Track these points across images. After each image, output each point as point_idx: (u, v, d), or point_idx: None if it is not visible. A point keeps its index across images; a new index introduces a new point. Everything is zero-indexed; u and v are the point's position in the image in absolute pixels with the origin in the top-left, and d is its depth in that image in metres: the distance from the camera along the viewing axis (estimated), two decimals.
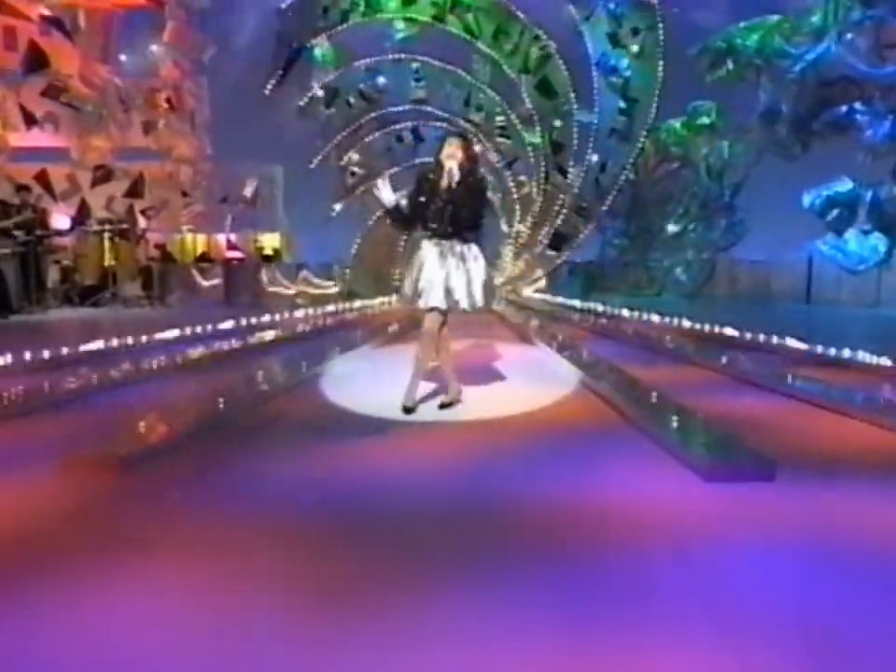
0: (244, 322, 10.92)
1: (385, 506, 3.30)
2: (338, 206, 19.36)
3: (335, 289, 19.34)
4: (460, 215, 4.76)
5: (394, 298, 5.23)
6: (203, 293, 17.93)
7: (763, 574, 2.65)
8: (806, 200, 17.86)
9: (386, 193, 4.84)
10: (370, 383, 6.47)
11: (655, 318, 11.91)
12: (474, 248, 4.95)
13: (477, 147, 19.95)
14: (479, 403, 5.48)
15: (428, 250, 4.91)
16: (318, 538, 2.95)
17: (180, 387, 6.17)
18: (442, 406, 5.16)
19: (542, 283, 19.91)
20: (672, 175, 20.40)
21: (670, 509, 3.28)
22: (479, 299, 4.92)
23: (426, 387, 5.55)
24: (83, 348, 7.96)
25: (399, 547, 2.87)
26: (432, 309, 4.95)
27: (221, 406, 5.00)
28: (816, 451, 4.33)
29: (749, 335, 9.21)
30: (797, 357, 7.86)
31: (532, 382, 6.55)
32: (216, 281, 18.34)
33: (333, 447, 4.33)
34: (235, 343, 8.55)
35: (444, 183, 4.80)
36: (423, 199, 4.82)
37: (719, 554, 2.79)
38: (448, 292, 4.83)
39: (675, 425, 4.57)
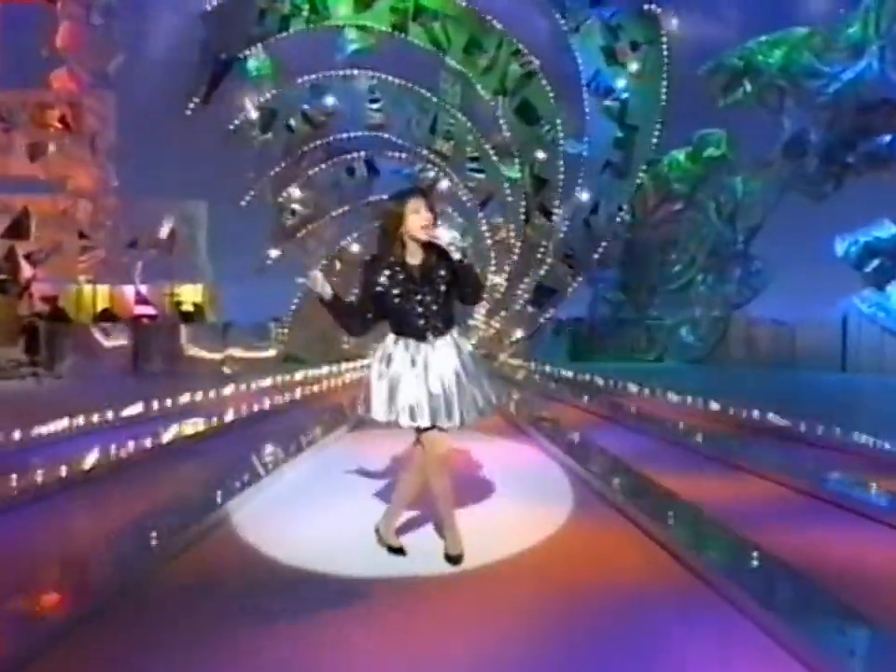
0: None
1: None
2: (274, 253, 19.08)
3: (271, 354, 18.80)
4: (452, 298, 4.35)
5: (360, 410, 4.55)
6: (104, 360, 17.03)
7: None
8: (840, 247, 17.54)
9: (321, 287, 4.25)
10: (331, 509, 5.63)
11: (674, 398, 11.30)
12: (462, 341, 4.46)
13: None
14: (475, 539, 4.71)
15: (410, 352, 4.32)
16: None
17: (60, 525, 5.21)
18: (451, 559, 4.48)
19: (520, 346, 19.56)
20: (676, 217, 20.19)
21: None
22: (485, 403, 4.38)
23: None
24: None
25: None
26: (427, 428, 4.30)
27: (117, 565, 4.03)
28: None
29: (802, 426, 8.50)
30: (875, 459, 7.12)
31: (536, 500, 5.90)
32: (120, 342, 17.58)
33: (285, 642, 3.39)
34: (143, 441, 7.62)
35: (416, 261, 4.29)
36: (396, 291, 4.27)
37: None
38: (443, 407, 4.27)
39: (773, 590, 3.78)
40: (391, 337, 4.36)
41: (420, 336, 4.29)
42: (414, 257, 4.25)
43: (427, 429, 4.30)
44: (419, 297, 4.24)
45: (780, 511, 5.60)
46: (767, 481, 6.42)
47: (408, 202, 4.22)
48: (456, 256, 4.16)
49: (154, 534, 4.65)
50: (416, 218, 4.18)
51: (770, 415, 9.25)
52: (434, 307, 4.26)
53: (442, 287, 4.25)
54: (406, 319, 4.28)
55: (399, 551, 4.51)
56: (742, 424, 9.20)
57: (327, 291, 4.22)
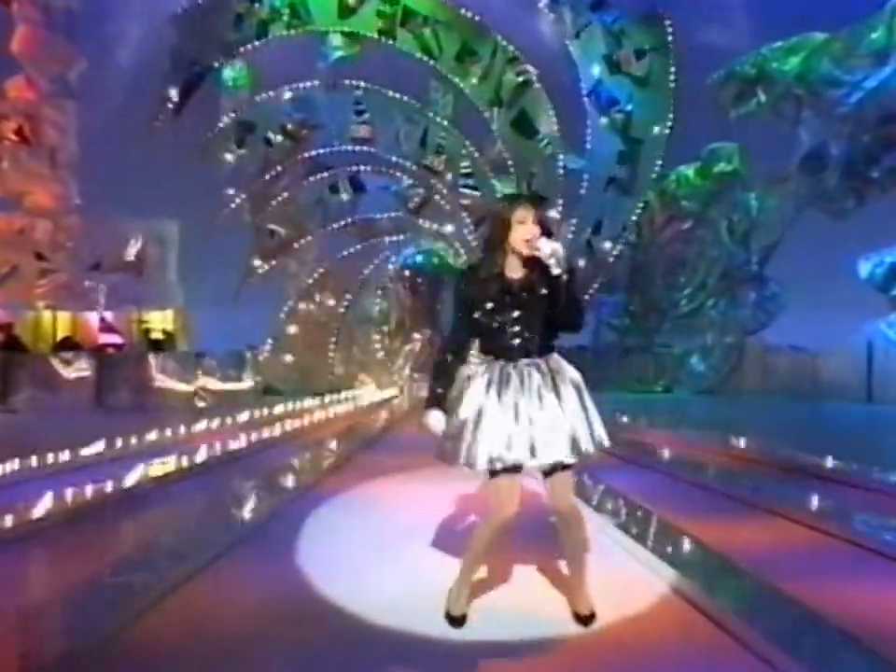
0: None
1: None
2: (252, 277, 18.91)
3: (248, 385, 18.55)
4: (553, 321, 4.13)
5: (443, 451, 4.00)
6: (65, 393, 16.75)
7: None
8: (864, 268, 17.58)
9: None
10: (347, 558, 5.42)
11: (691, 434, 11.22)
12: (562, 366, 4.14)
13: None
14: (505, 605, 4.58)
15: (495, 376, 4.06)
16: None
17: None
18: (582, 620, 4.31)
19: None
20: (685, 237, 20.08)
21: None
22: (589, 437, 4.04)
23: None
24: None
25: None
26: (507, 469, 4.02)
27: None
28: None
29: (832, 462, 8.38)
30: None
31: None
32: (83, 373, 17.33)
33: None
34: (104, 484, 7.37)
35: (517, 274, 4.09)
36: (490, 306, 4.07)
37: None
38: (539, 439, 3.97)
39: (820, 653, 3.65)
40: (474, 361, 4.18)
41: (511, 357, 4.07)
42: (515, 270, 4.07)
43: (498, 473, 4.05)
44: (514, 313, 4.03)
45: (815, 560, 5.46)
46: (799, 526, 6.30)
47: (516, 209, 4.02)
48: (556, 270, 3.92)
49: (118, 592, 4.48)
50: (521, 230, 3.98)
51: (792, 451, 9.11)
52: (531, 327, 4.05)
53: (542, 306, 4.04)
54: (498, 337, 4.08)
55: (456, 621, 4.24)
56: (762, 460, 9.08)
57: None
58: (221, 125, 18.06)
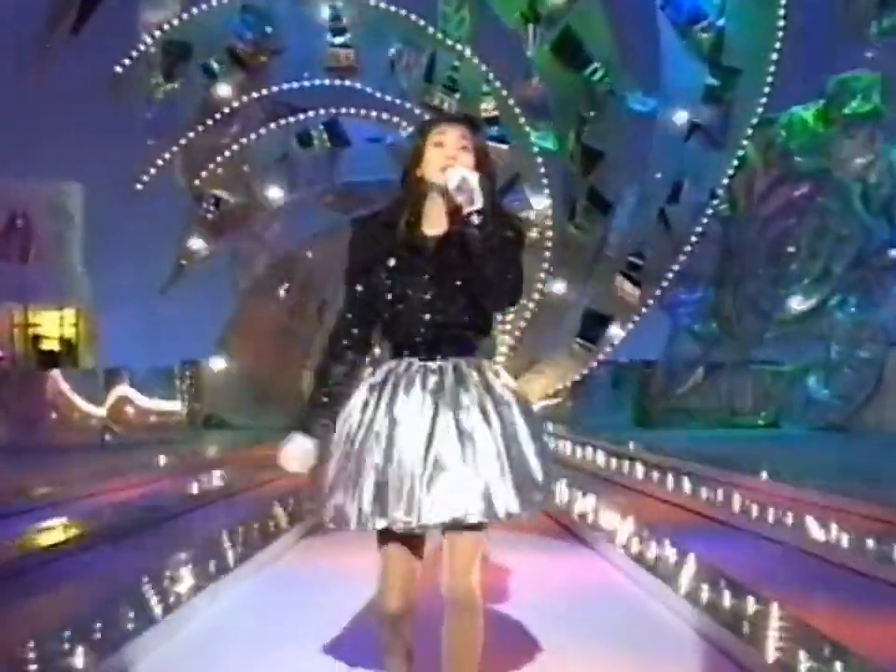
0: None
1: None
2: (188, 262, 18.81)
3: (180, 414, 18.89)
4: (478, 296, 3.83)
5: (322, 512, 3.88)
6: None
7: None
8: None
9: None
10: None
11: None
12: (501, 374, 3.93)
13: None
14: None
15: (399, 390, 3.81)
16: None
17: None
18: None
19: (561, 402, 19.70)
20: (799, 208, 20.02)
21: None
22: (505, 495, 3.69)
23: None
24: None
25: None
26: (392, 535, 3.79)
27: None
28: None
29: None
30: None
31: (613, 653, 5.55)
32: None
33: None
34: None
35: (436, 230, 3.83)
36: (393, 263, 3.84)
37: None
38: (430, 484, 3.69)
39: None
40: (382, 369, 3.93)
41: (414, 349, 3.83)
42: (434, 223, 3.80)
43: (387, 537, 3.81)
44: (423, 281, 3.77)
45: None
46: None
47: (431, 130, 3.80)
48: (468, 207, 3.56)
49: None
50: (436, 155, 3.71)
51: None
52: (445, 305, 3.79)
53: (457, 276, 3.77)
54: (397, 317, 3.85)
55: None
56: None
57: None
58: (142, 48, 17.87)
